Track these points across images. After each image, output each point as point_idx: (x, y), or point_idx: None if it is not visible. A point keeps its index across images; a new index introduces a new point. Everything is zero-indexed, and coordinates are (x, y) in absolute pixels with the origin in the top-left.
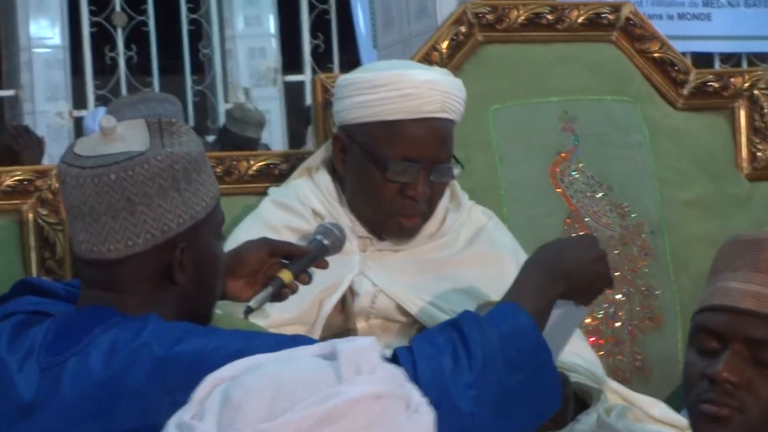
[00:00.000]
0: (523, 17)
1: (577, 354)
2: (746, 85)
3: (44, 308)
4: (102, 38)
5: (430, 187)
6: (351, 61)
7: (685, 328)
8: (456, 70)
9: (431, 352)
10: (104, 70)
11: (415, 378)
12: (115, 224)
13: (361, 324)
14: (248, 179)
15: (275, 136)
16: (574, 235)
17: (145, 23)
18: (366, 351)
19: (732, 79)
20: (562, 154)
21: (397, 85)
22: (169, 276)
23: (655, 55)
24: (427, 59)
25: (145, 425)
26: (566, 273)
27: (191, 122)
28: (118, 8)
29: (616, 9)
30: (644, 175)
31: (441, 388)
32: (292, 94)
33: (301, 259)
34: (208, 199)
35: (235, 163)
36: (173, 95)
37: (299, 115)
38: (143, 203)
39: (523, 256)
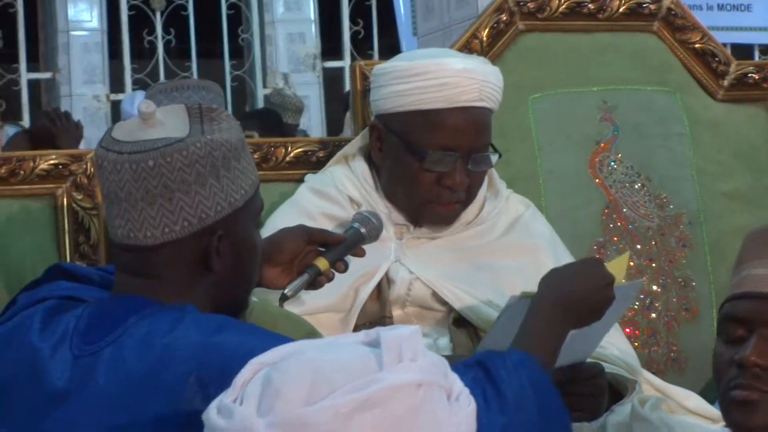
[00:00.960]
0: (564, 6)
1: (613, 344)
2: None
3: (78, 293)
4: (140, 22)
5: (468, 176)
6: (391, 47)
7: None
8: (496, 59)
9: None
10: (142, 53)
11: None
12: (152, 210)
13: (396, 312)
14: (285, 166)
15: (314, 123)
16: (581, 260)
17: (183, 7)
18: (408, 339)
19: None
20: (602, 144)
21: (434, 74)
22: (206, 263)
23: (696, 45)
24: (467, 47)
25: (177, 413)
26: (577, 310)
27: (230, 108)
28: None
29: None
30: (683, 167)
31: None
32: (331, 80)
33: (337, 246)
34: (247, 187)
35: (272, 148)
36: (212, 80)
37: (338, 102)
38: (181, 190)
39: (561, 246)
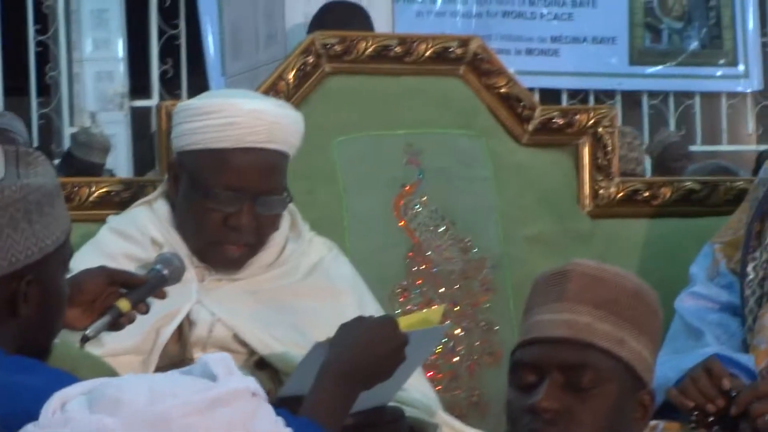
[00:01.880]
0: (371, 49)
1: (415, 388)
2: (590, 122)
3: None
4: None
5: (256, 219)
6: (200, 87)
7: None
8: (302, 101)
9: None
10: None
11: None
12: None
13: (197, 354)
14: (89, 206)
15: (121, 162)
16: (376, 321)
17: None
18: (229, 359)
19: (577, 116)
20: (407, 187)
21: (224, 114)
22: (13, 307)
23: (502, 90)
24: (273, 89)
25: None
26: (366, 375)
27: (35, 145)
28: None
29: (464, 43)
30: (487, 210)
31: None
32: (140, 119)
33: (139, 288)
34: (59, 233)
35: (76, 188)
36: (18, 118)
37: (146, 141)
38: None
39: (364, 289)
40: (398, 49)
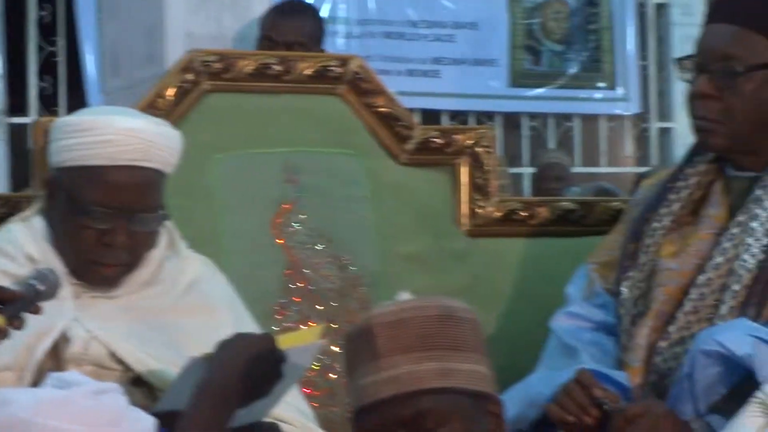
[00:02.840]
0: (250, 67)
1: (290, 404)
2: (469, 142)
3: None
4: None
5: (131, 237)
6: (79, 105)
7: None
8: (181, 119)
9: None
10: None
11: None
12: None
13: (73, 371)
14: None
15: None
16: (253, 338)
17: None
18: None
19: (455, 136)
20: (284, 206)
21: (99, 131)
22: None
23: (381, 109)
24: (152, 106)
25: None
26: (243, 392)
27: None
28: None
29: (344, 63)
30: (365, 229)
31: None
32: (17, 136)
33: (14, 303)
34: None
35: None
36: None
37: (23, 158)
38: None
39: (240, 307)
40: (278, 68)
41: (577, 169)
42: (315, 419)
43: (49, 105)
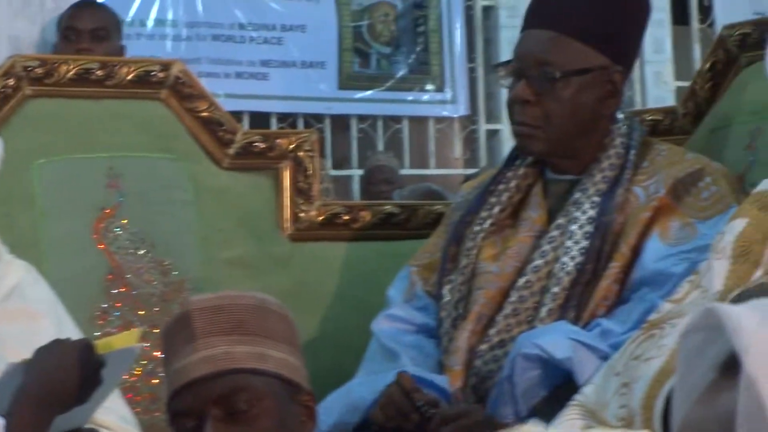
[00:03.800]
0: (72, 72)
1: (111, 410)
2: (292, 146)
3: None
4: None
5: None
6: None
7: None
8: (2, 124)
9: None
10: None
11: None
12: None
13: None
14: None
15: None
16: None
17: None
18: None
19: (278, 141)
20: (107, 211)
21: None
22: None
23: (203, 114)
24: None
25: None
26: (60, 400)
27: None
28: None
29: (166, 67)
30: (188, 233)
31: None
32: None
33: None
34: None
35: None
36: None
37: None
38: None
39: (62, 312)
40: (100, 73)
41: (407, 171)
42: (137, 424)
43: None
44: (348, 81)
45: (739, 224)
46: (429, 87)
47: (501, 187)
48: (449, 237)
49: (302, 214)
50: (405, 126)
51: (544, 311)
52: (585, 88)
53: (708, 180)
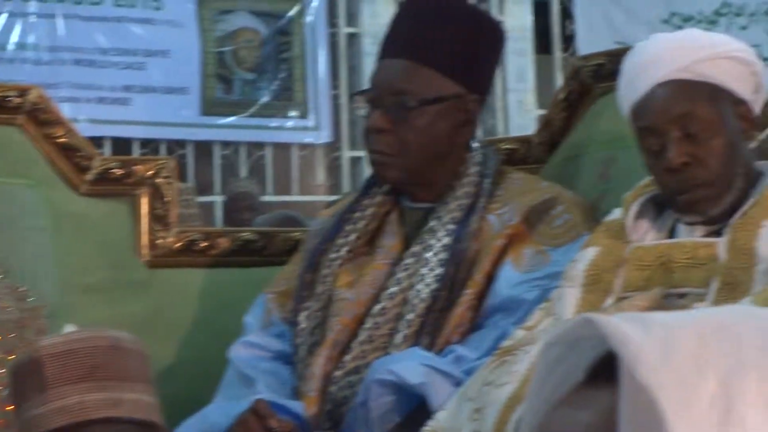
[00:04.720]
0: None
1: None
2: (150, 173)
3: None
4: None
5: None
6: None
7: None
8: None
9: None
10: None
11: None
12: None
13: None
14: None
15: None
16: None
17: None
18: None
19: (135, 167)
20: None
21: None
22: None
23: (60, 140)
24: None
25: None
26: None
27: None
28: None
29: (23, 93)
30: (44, 260)
31: None
32: None
33: None
34: None
35: None
36: None
37: None
38: None
39: None
40: None
41: (270, 198)
42: None
43: None
44: (211, 107)
45: (590, 252)
46: (292, 113)
47: (357, 214)
48: (305, 264)
49: (160, 241)
50: (268, 152)
51: (398, 338)
52: (440, 116)
53: (561, 208)
